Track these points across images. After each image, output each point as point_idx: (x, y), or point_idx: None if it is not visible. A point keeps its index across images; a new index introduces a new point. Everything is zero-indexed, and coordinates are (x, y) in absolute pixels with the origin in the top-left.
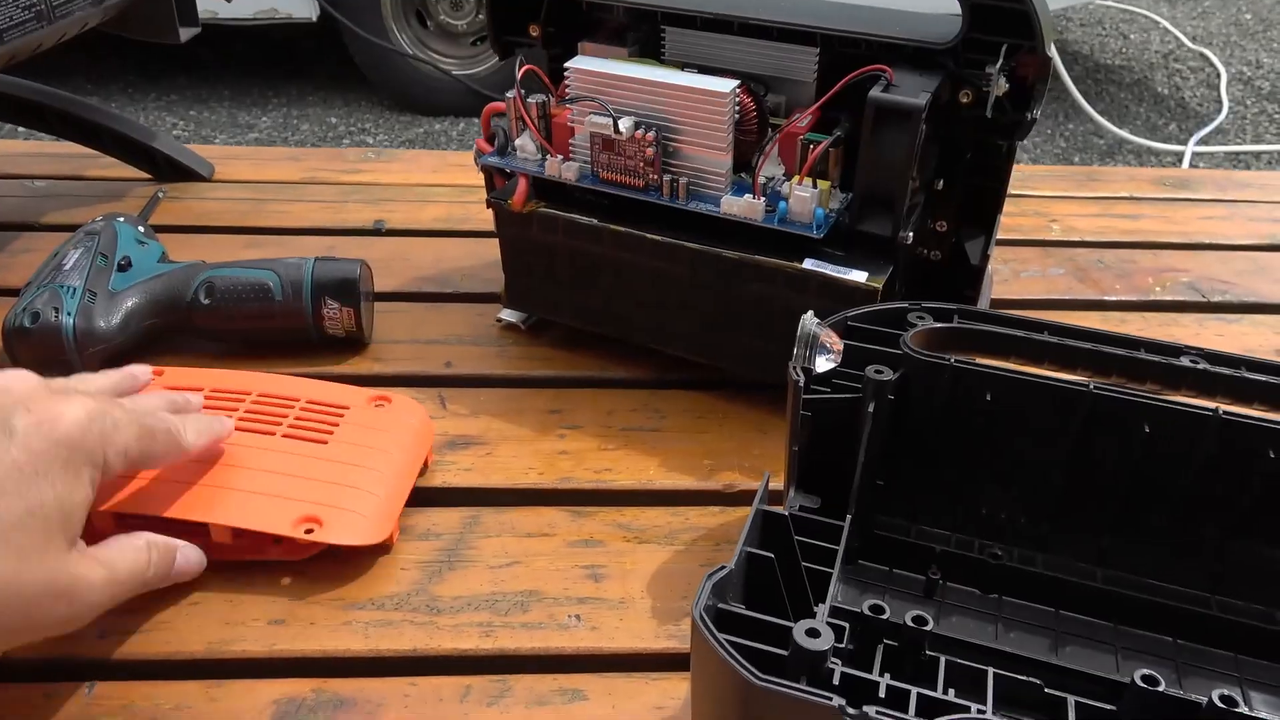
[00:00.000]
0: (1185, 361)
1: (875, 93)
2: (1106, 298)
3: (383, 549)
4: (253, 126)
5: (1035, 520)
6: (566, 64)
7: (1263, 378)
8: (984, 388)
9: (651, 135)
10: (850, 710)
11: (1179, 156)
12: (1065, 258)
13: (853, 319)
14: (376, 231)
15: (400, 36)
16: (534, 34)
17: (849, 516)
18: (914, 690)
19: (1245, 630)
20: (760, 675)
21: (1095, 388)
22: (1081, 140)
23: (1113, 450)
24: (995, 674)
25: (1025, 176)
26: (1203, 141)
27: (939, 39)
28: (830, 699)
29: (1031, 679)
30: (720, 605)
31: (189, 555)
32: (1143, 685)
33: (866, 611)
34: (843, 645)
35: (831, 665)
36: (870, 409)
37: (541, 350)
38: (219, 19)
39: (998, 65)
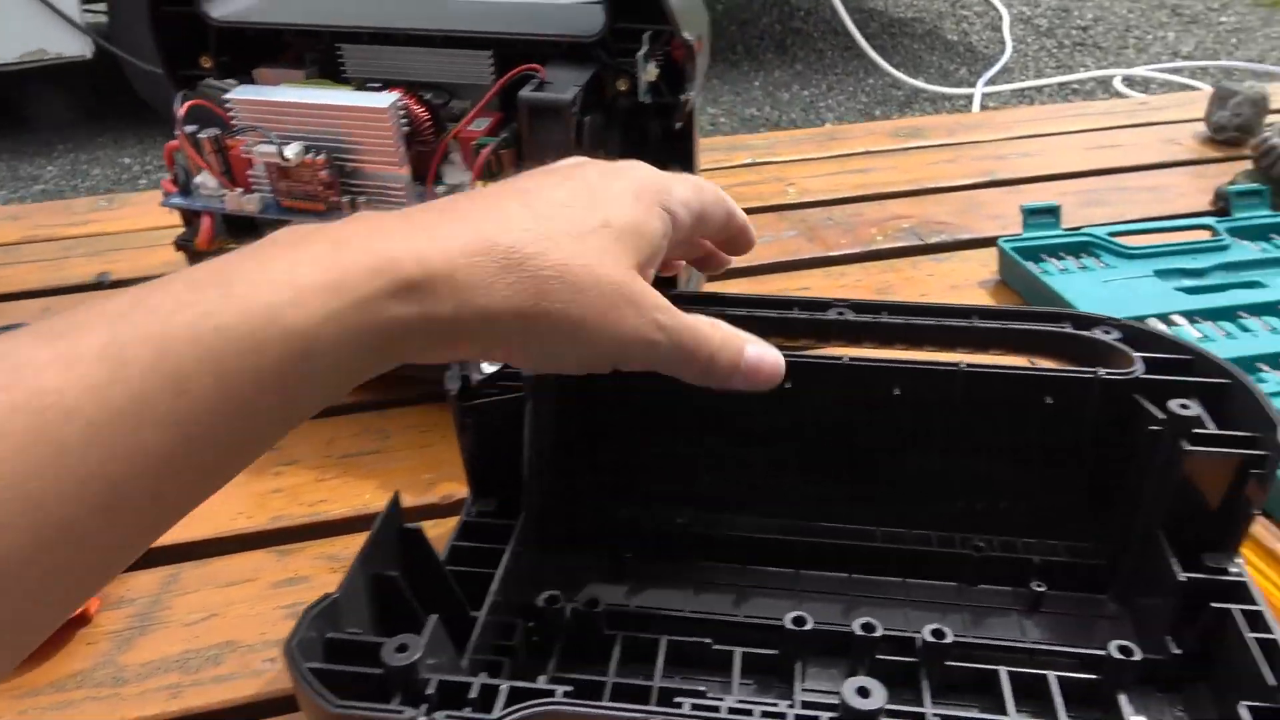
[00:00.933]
0: (832, 315)
1: (524, 93)
2: (831, 253)
3: (80, 622)
4: (37, 178)
5: (714, 484)
6: (226, 94)
7: (899, 320)
8: None
9: (322, 159)
10: (422, 719)
11: (969, 99)
12: (798, 219)
13: None
14: (100, 285)
15: None
16: (206, 65)
17: (522, 515)
18: (504, 684)
19: (907, 555)
20: (335, 701)
21: None
22: (881, 93)
23: (764, 408)
24: (668, 640)
25: (770, 144)
26: (990, 82)
27: (588, 32)
28: (401, 712)
29: (702, 639)
30: (331, 635)
31: (763, 354)
32: (793, 627)
33: (541, 603)
34: (512, 643)
35: (427, 676)
36: (530, 405)
37: None
38: None
39: (641, 52)
